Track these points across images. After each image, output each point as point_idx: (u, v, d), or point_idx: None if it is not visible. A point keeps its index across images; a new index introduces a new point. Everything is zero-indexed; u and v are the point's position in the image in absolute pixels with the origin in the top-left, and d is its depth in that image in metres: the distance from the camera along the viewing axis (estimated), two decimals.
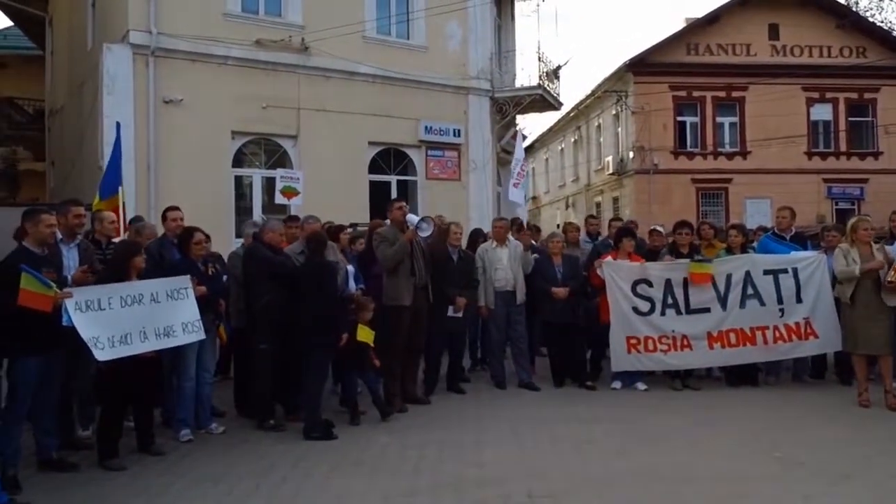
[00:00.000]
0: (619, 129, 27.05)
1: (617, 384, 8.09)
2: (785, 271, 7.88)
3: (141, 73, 11.86)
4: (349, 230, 8.29)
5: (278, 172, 11.53)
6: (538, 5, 21.57)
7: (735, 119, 25.53)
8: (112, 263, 5.88)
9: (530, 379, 8.23)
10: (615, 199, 27.42)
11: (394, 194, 14.00)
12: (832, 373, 8.37)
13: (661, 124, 24.89)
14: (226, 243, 9.96)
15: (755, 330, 7.86)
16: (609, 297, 7.92)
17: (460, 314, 7.83)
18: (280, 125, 13.15)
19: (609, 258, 8.12)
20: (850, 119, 25.82)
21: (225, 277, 6.95)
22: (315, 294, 6.26)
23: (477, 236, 9.20)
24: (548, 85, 17.11)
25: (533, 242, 9.39)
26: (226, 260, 7.28)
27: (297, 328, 6.31)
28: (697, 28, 25.50)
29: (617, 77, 26.28)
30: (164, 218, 7.07)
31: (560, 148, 35.30)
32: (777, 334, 7.87)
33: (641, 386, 8.02)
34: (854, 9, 25.87)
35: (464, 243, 9.31)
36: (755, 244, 8.76)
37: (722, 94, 25.28)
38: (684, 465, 5.31)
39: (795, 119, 24.86)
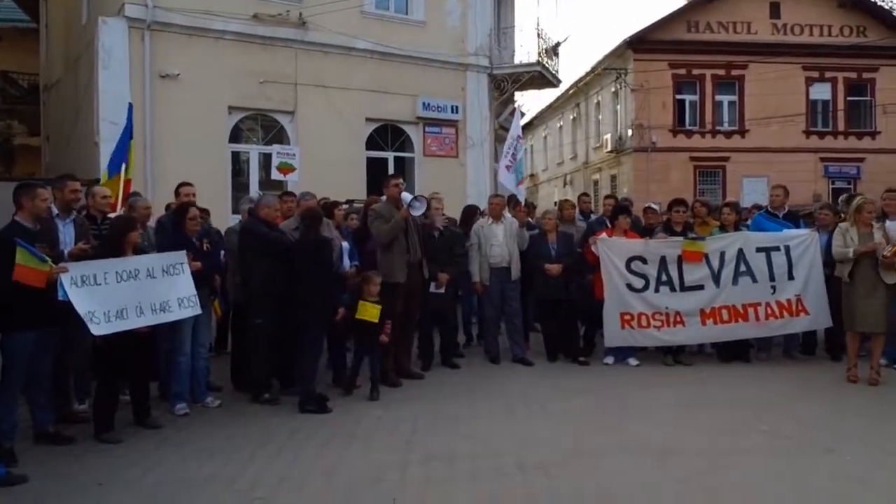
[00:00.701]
0: (618, 107, 26.96)
1: (609, 359, 8.18)
2: (777, 249, 7.93)
3: (137, 48, 11.82)
4: (345, 206, 8.32)
5: (275, 149, 11.53)
6: None
7: (734, 97, 25.46)
8: (108, 238, 5.90)
9: (524, 354, 8.31)
10: (613, 177, 27.41)
11: (391, 171, 14.03)
12: (822, 349, 8.46)
13: (660, 102, 24.82)
14: (223, 219, 9.99)
15: (747, 307, 7.93)
16: (603, 274, 7.97)
17: (442, 290, 7.88)
18: (277, 101, 13.12)
19: (603, 235, 8.16)
20: (848, 98, 25.78)
21: (223, 253, 7.02)
22: (309, 270, 6.30)
23: (472, 212, 9.25)
24: (547, 62, 17.05)
25: (529, 220, 9.42)
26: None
27: (292, 303, 6.37)
28: (698, 5, 25.32)
29: (616, 54, 26.14)
30: (177, 193, 7.13)
31: (559, 125, 35.20)
32: (769, 311, 7.94)
33: (633, 361, 8.10)
34: None
35: (458, 219, 9.37)
36: (749, 222, 8.81)
37: (721, 72, 25.18)
38: (673, 439, 5.40)
39: (794, 98, 24.80)
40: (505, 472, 4.75)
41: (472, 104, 15.37)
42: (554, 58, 17.74)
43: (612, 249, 8.00)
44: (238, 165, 13.28)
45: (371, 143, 14.44)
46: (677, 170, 24.61)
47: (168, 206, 7.45)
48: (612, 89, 27.13)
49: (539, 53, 16.82)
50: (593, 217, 9.94)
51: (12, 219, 5.17)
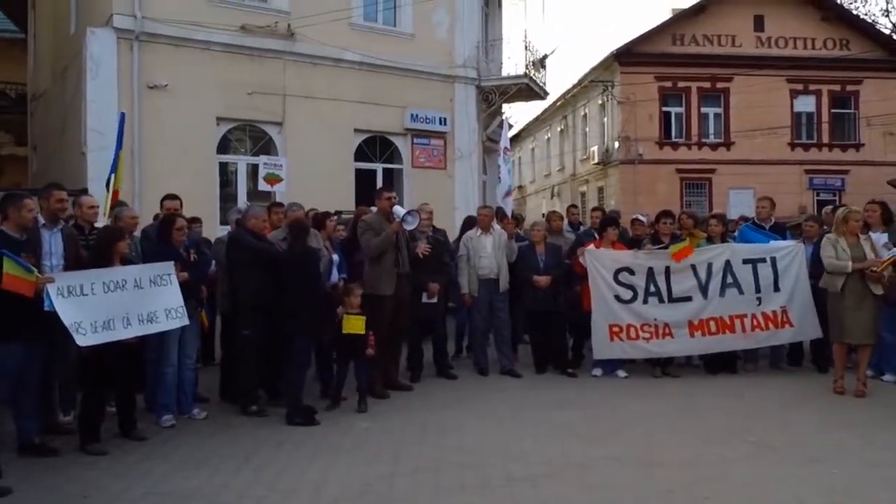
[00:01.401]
0: (605, 119, 27.14)
1: (598, 371, 8.19)
2: (763, 260, 7.99)
3: (125, 58, 11.78)
4: (334, 217, 8.30)
5: (261, 159, 11.51)
6: None
7: (719, 110, 25.71)
8: (95, 249, 5.87)
9: (512, 366, 8.31)
10: (600, 189, 27.54)
11: (379, 182, 14.03)
12: (809, 360, 8.51)
13: (646, 114, 25.01)
14: (211, 230, 9.95)
15: (734, 318, 7.98)
16: (591, 285, 7.99)
17: (434, 300, 7.89)
18: (265, 112, 13.11)
19: (591, 246, 8.19)
20: (832, 111, 26.09)
21: (214, 263, 7.01)
22: (296, 280, 6.29)
23: (472, 223, 9.11)
24: (534, 74, 17.13)
25: (519, 232, 9.43)
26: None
27: (279, 314, 6.35)
28: (684, 18, 25.61)
29: (603, 67, 26.34)
30: (162, 206, 7.16)
31: (546, 137, 35.37)
32: (755, 322, 7.99)
33: (622, 373, 8.12)
34: (838, 1, 26.03)
35: (456, 231, 9.34)
36: (735, 234, 8.87)
37: (707, 84, 25.42)
38: (661, 450, 5.41)
39: (779, 110, 25.08)
40: (493, 483, 4.74)
41: (460, 116, 15.42)
42: (541, 70, 17.83)
43: (600, 261, 8.03)
44: (226, 176, 13.24)
45: (359, 154, 14.44)
46: (664, 182, 24.78)
47: (156, 217, 7.43)
48: (599, 101, 27.31)
49: (526, 65, 16.90)
50: (582, 229, 9.97)
51: None
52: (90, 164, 11.14)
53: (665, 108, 25.52)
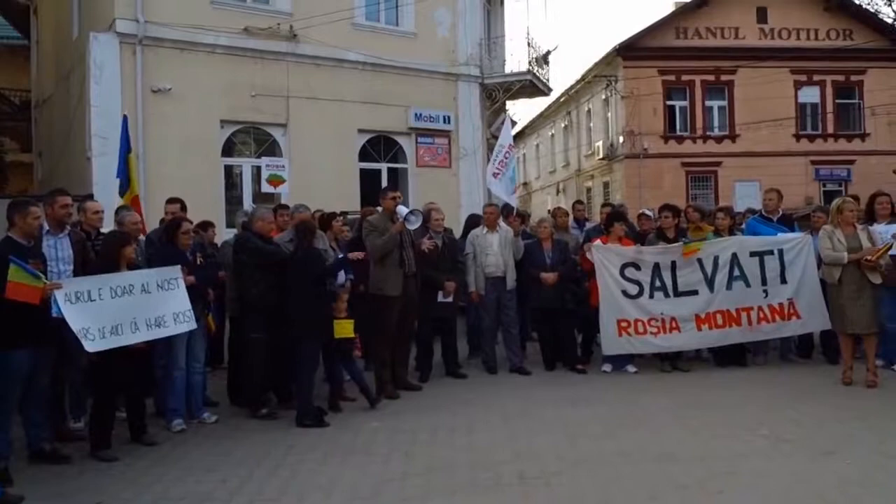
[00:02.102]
0: (609, 114, 27.06)
1: (607, 367, 8.16)
2: (771, 253, 7.94)
3: (128, 62, 11.79)
4: (339, 218, 8.29)
5: (264, 161, 11.52)
6: None
7: (724, 102, 25.60)
8: (102, 254, 5.87)
9: (521, 363, 8.29)
10: (606, 184, 27.47)
11: (384, 182, 14.01)
12: (819, 352, 8.46)
13: (650, 108, 24.93)
14: (217, 233, 9.94)
15: (740, 311, 7.94)
16: (598, 281, 7.97)
17: (451, 298, 7.87)
18: (269, 113, 13.11)
19: (598, 241, 8.17)
20: (837, 101, 25.96)
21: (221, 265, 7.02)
22: (303, 282, 6.28)
23: (476, 222, 9.13)
24: (537, 70, 17.10)
25: (526, 229, 9.40)
26: None
27: (287, 316, 6.34)
28: (686, 12, 25.50)
29: (606, 62, 26.27)
30: (166, 210, 7.20)
31: (550, 133, 35.30)
32: (761, 315, 7.95)
33: (631, 369, 8.09)
34: None
35: (461, 229, 9.33)
36: (743, 226, 8.82)
37: (711, 77, 25.32)
38: (673, 445, 5.38)
39: (783, 102, 24.94)
40: (505, 482, 4.73)
41: (463, 114, 15.40)
42: (544, 66, 17.80)
43: (606, 256, 8.01)
44: (231, 179, 13.24)
45: (364, 154, 14.43)
46: (669, 176, 24.70)
47: (162, 221, 7.44)
48: (603, 97, 27.24)
49: (529, 62, 16.88)
50: (589, 225, 9.93)
51: (6, 235, 5.16)
52: (95, 169, 11.16)
53: (669, 102, 25.45)
